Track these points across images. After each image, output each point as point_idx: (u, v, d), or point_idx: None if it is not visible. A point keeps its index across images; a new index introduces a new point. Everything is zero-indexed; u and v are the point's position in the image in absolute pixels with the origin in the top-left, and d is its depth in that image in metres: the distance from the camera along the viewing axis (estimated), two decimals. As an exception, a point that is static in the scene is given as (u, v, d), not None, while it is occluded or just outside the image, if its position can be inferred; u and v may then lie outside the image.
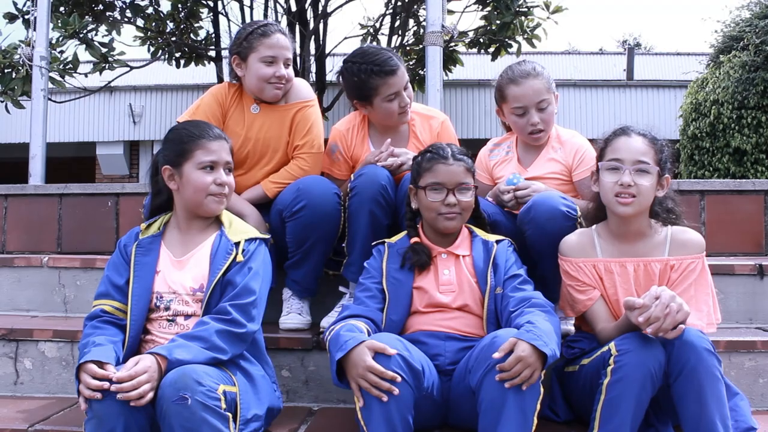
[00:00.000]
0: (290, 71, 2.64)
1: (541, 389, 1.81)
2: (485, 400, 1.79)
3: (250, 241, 2.08)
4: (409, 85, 2.62)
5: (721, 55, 9.07)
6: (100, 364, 1.76)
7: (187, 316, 2.01)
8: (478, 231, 2.25)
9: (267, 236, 2.19)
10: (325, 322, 2.52)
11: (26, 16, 6.61)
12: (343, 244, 2.55)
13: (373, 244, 2.30)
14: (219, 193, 2.07)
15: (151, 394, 1.73)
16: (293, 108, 2.66)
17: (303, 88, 2.70)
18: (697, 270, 2.06)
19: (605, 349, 1.90)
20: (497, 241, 2.20)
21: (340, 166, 2.71)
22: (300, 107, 2.66)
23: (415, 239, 2.19)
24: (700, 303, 2.01)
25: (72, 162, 12.52)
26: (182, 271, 2.05)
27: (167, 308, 2.02)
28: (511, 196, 2.44)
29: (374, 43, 2.51)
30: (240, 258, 2.02)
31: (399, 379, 1.75)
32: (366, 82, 2.54)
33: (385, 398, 1.74)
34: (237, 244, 2.05)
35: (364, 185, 2.41)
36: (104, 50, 7.18)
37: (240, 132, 2.65)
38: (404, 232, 2.25)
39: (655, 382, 1.81)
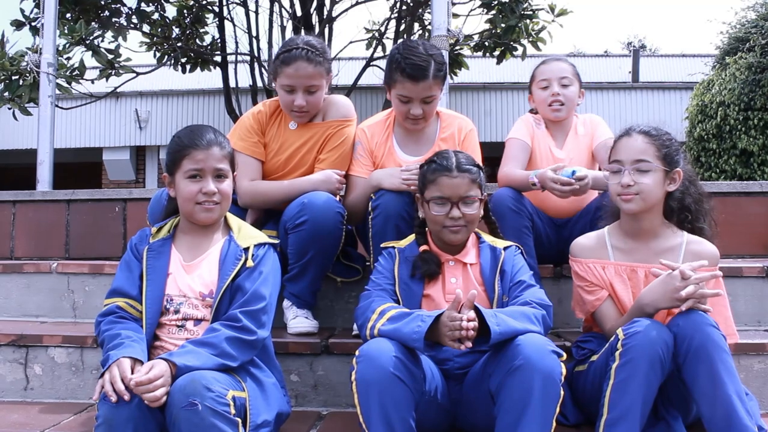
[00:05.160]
0: (316, 97, 2.59)
1: (562, 391, 1.80)
2: (506, 402, 1.78)
3: (259, 246, 2.07)
4: (435, 101, 2.55)
5: (726, 57, 9.04)
6: (135, 361, 1.79)
7: (197, 321, 2.01)
8: (485, 237, 2.23)
9: (276, 241, 2.19)
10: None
11: (33, 23, 6.66)
12: (357, 250, 2.56)
13: (382, 245, 2.27)
14: (206, 201, 2.04)
15: (165, 398, 1.73)
16: (329, 126, 2.66)
17: (342, 107, 2.68)
18: (710, 283, 2.04)
19: (613, 338, 1.91)
20: (505, 248, 2.18)
21: (362, 165, 2.65)
22: (336, 126, 2.66)
23: (424, 247, 2.17)
24: (714, 315, 1.96)
25: (78, 168, 12.57)
26: (191, 276, 2.04)
27: (177, 311, 2.01)
28: (571, 188, 2.45)
29: (428, 42, 2.48)
30: (250, 263, 2.02)
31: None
32: (390, 70, 2.54)
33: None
34: (246, 249, 2.04)
35: (389, 203, 2.43)
36: (110, 56, 7.22)
37: (274, 146, 2.68)
38: (412, 237, 2.23)
39: (664, 363, 1.81)
